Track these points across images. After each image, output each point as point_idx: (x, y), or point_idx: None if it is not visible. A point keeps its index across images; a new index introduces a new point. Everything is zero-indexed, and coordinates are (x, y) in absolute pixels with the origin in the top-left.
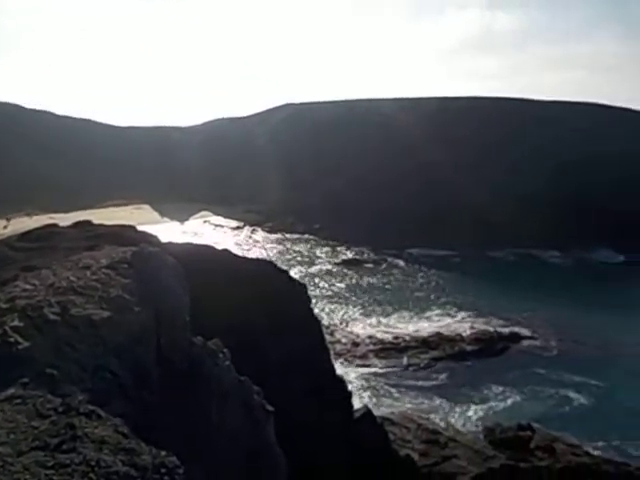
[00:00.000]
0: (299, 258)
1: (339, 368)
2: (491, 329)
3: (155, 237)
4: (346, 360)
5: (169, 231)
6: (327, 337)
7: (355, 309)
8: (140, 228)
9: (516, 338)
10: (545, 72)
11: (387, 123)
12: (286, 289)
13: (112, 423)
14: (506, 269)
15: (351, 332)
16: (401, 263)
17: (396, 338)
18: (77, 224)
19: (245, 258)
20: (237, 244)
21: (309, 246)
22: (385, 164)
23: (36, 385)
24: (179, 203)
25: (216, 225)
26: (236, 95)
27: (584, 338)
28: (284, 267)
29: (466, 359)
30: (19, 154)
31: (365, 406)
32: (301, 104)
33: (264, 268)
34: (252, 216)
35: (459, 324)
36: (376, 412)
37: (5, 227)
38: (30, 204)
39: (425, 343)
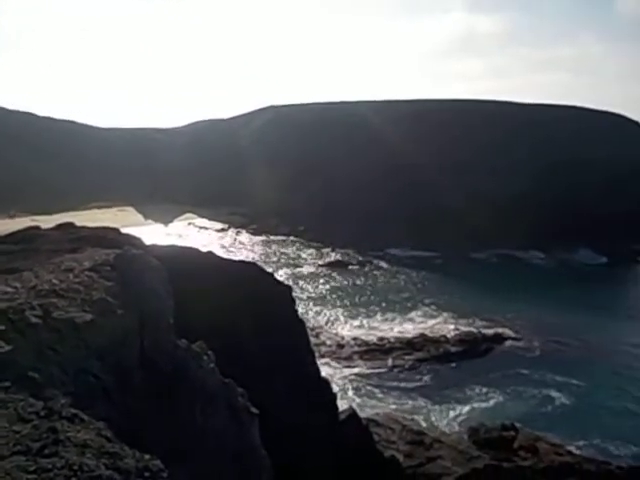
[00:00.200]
0: (284, 260)
1: (324, 370)
2: (475, 330)
3: (139, 239)
4: (331, 362)
5: (153, 233)
6: (312, 339)
7: (340, 311)
8: (124, 230)
9: (500, 339)
10: (530, 74)
11: (371, 125)
12: (271, 291)
13: (95, 427)
14: (489, 270)
15: (336, 334)
16: (384, 264)
17: (381, 340)
18: (60, 226)
19: (230, 260)
20: (222, 246)
21: (294, 248)
22: (369, 166)
23: (18, 389)
24: (163, 205)
25: (200, 227)
26: (219, 97)
27: (567, 339)
28: (269, 269)
29: (450, 360)
30: (0, 156)
31: (350, 408)
32: (285, 106)
33: (249, 270)
34: (237, 218)
35: (443, 325)
36: (361, 413)
37: None
38: (13, 206)
39: (410, 344)
